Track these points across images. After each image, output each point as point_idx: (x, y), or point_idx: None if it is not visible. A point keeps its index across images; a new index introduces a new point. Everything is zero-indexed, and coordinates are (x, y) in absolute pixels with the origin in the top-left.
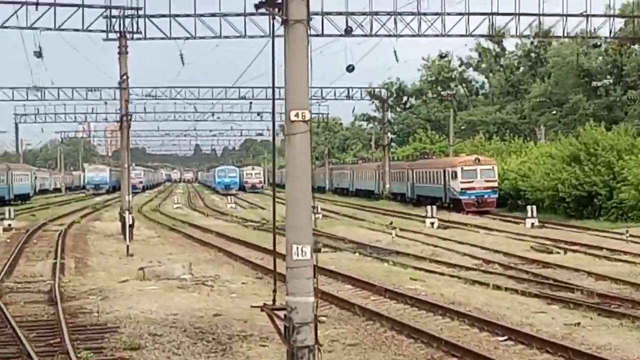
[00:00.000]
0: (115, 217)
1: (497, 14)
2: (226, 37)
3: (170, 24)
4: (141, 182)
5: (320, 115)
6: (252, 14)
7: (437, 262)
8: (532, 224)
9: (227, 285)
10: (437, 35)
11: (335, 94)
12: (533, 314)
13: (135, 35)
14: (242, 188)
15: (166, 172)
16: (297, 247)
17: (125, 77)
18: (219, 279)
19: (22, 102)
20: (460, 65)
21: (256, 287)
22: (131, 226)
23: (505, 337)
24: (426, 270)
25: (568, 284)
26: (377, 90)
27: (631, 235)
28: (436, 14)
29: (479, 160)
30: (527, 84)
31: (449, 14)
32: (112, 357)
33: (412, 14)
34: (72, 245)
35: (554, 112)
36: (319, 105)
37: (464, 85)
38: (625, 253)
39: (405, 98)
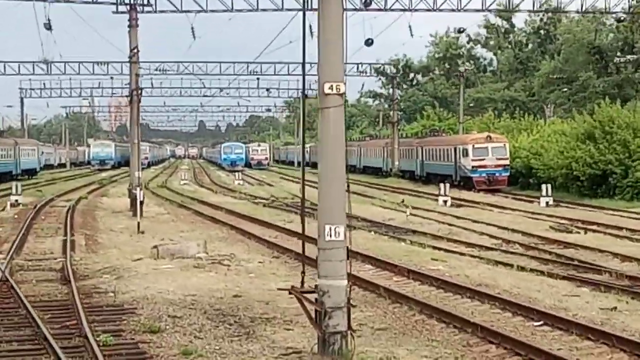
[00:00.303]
0: (122, 193)
1: None
2: (238, 10)
3: None
4: (147, 158)
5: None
6: None
7: (456, 241)
8: (547, 202)
9: (244, 264)
10: (452, 10)
11: (345, 70)
12: (565, 298)
13: (146, 8)
14: (247, 165)
15: (171, 148)
16: (330, 228)
17: (135, 50)
18: (235, 258)
19: (28, 76)
20: (468, 42)
21: (273, 266)
22: (141, 203)
23: (541, 322)
24: (446, 250)
25: (594, 266)
26: (384, 66)
27: None
28: None
29: (490, 137)
30: (536, 61)
31: None
32: (131, 341)
33: None
34: (81, 221)
35: (564, 89)
36: None
37: (471, 62)
38: None
39: (412, 75)
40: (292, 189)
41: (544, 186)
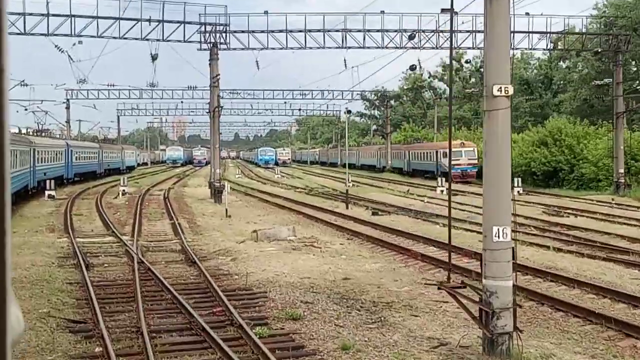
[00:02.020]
0: (197, 184)
1: (458, 31)
2: (291, 48)
3: (248, 38)
4: (205, 159)
5: (327, 112)
6: (310, 30)
7: (477, 223)
8: (518, 191)
9: (330, 246)
10: (414, 48)
11: (333, 95)
12: (635, 281)
13: (222, 46)
14: (276, 163)
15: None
16: (498, 229)
17: (217, 77)
18: (318, 240)
19: (122, 100)
20: (429, 77)
21: (354, 248)
22: (220, 192)
23: None
24: (479, 232)
25: (619, 248)
26: (369, 94)
27: (616, 204)
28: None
29: (463, 144)
30: (478, 89)
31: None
32: (282, 331)
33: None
34: (177, 207)
35: None
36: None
37: (431, 91)
38: (629, 218)
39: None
40: (317, 180)
41: (515, 179)
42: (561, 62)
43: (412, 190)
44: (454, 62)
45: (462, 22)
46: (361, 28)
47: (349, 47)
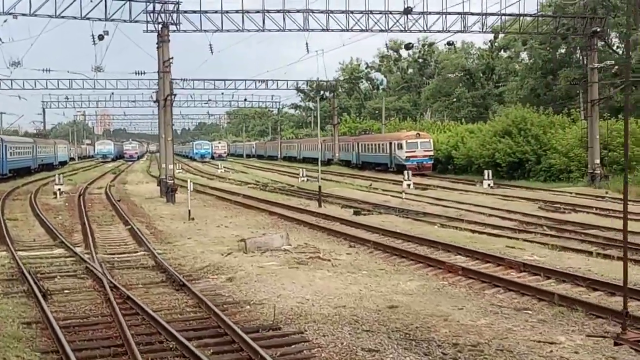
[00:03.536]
0: (139, 180)
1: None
2: (248, 30)
3: (200, 19)
4: (136, 153)
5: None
6: (268, 11)
7: (477, 223)
8: (489, 184)
9: (337, 257)
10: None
11: (267, 85)
12: None
13: (172, 27)
14: (212, 157)
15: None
16: None
17: (169, 61)
18: (318, 249)
19: (49, 90)
20: (366, 68)
21: (367, 258)
22: (174, 190)
23: None
24: (488, 234)
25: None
26: (303, 85)
27: (611, 198)
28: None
29: (419, 134)
30: (417, 81)
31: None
32: None
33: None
34: (127, 208)
35: (445, 100)
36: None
37: (368, 82)
38: (636, 213)
39: (321, 92)
40: (264, 175)
41: (486, 171)
42: (502, 52)
43: (375, 185)
44: (392, 52)
45: None
46: (324, 9)
47: (311, 30)
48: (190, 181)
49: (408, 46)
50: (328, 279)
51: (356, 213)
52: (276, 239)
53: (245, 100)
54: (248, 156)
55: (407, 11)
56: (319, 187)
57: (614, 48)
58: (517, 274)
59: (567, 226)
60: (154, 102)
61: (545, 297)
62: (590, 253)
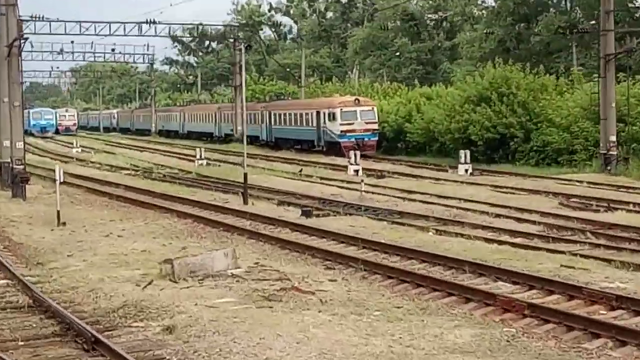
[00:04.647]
0: None
1: None
2: None
3: None
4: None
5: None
6: None
7: (484, 227)
8: (467, 170)
9: (320, 287)
10: None
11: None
12: None
13: None
14: (57, 131)
15: None
16: None
17: None
18: (283, 273)
19: None
20: (269, 10)
21: (365, 290)
22: (25, 181)
23: None
24: (511, 244)
25: None
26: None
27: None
28: None
29: (358, 101)
30: (340, 28)
31: None
32: None
33: None
34: None
35: (377, 55)
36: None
37: (273, 29)
38: None
39: (207, 42)
40: (139, 157)
41: (462, 152)
42: None
43: (307, 171)
44: None
45: None
46: None
47: None
48: (60, 167)
49: None
50: (329, 328)
51: (306, 214)
52: (217, 258)
53: (113, 51)
54: (107, 130)
55: None
56: (245, 175)
57: None
58: (608, 311)
59: (616, 231)
60: None
61: None
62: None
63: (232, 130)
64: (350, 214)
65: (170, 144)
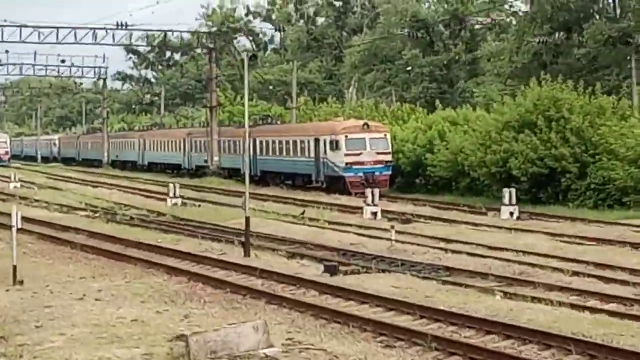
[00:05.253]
0: None
1: None
2: None
3: None
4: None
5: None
6: None
7: (565, 289)
8: (512, 213)
9: None
10: None
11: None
12: None
13: None
14: None
15: None
16: None
17: None
18: (333, 354)
19: None
20: (246, 15)
21: None
22: None
23: None
24: (609, 313)
25: None
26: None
27: None
28: None
29: (367, 125)
30: (333, 38)
31: None
32: None
33: None
34: None
35: (382, 70)
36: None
37: (250, 38)
38: None
39: (169, 53)
40: (93, 194)
41: (506, 191)
42: None
43: (309, 213)
44: None
45: None
46: None
47: None
48: (17, 209)
49: None
50: None
51: (330, 270)
52: (244, 334)
53: (67, 62)
54: (45, 159)
55: None
56: (247, 219)
57: None
58: None
59: None
60: None
61: None
62: None
63: (205, 161)
64: (384, 270)
65: (128, 177)
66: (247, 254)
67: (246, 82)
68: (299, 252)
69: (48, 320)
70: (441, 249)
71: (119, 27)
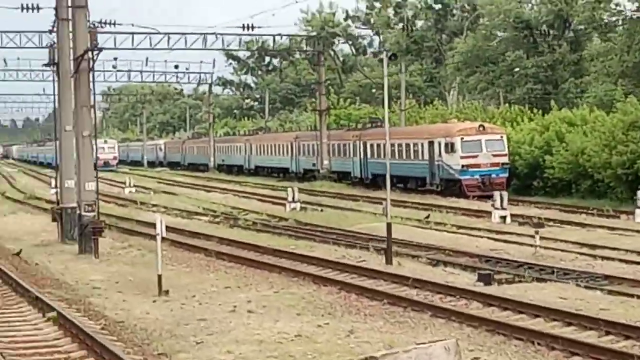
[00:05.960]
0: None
1: None
2: None
3: None
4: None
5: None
6: None
7: None
8: None
9: None
10: None
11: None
12: None
13: None
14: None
15: None
16: None
17: None
18: None
19: None
20: (345, 19)
21: None
22: (99, 232)
23: None
24: None
25: None
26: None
27: None
28: None
29: (483, 127)
30: (434, 40)
31: None
32: None
33: None
34: (16, 268)
35: (486, 72)
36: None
37: (350, 42)
38: None
39: (268, 59)
40: (208, 198)
41: None
42: None
43: (434, 217)
44: None
45: None
46: None
47: None
48: (161, 217)
49: None
50: None
51: (485, 279)
52: (436, 355)
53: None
54: (152, 164)
55: None
56: (388, 225)
57: None
58: None
59: None
60: (48, 65)
61: None
62: None
63: (314, 164)
64: (539, 279)
65: (237, 182)
66: (389, 261)
67: (385, 83)
68: (439, 259)
69: (206, 335)
70: (588, 255)
71: (244, 28)
